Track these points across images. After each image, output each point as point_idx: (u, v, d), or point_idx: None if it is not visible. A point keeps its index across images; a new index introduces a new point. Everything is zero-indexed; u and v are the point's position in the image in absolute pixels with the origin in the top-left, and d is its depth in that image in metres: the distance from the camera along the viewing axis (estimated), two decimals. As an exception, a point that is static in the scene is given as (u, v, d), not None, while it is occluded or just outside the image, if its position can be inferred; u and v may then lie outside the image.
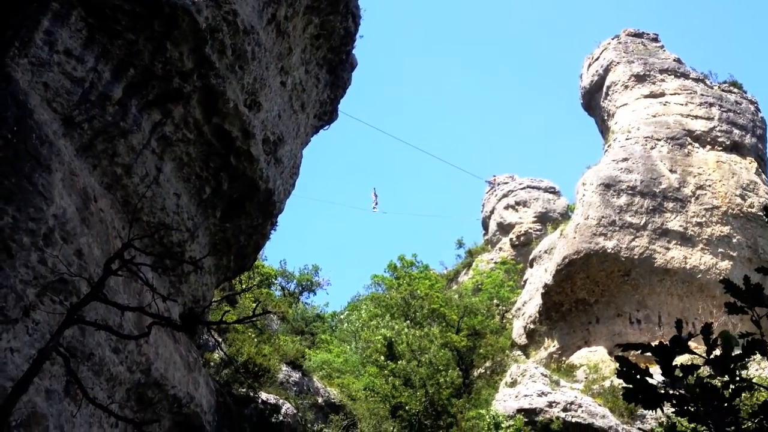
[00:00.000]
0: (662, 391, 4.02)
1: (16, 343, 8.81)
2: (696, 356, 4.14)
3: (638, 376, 4.07)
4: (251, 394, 23.67)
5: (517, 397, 26.91)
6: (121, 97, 11.25)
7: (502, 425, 25.43)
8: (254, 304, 33.43)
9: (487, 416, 26.36)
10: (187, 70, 12.12)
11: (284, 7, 14.86)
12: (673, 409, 4.02)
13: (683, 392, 3.95)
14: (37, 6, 9.77)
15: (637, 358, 24.62)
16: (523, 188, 60.83)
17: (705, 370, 4.07)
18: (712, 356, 3.96)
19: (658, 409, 4.10)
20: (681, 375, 3.95)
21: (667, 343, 3.98)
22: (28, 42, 9.63)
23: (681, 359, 4.05)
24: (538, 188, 60.49)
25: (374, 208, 60.10)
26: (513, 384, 28.48)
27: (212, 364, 23.64)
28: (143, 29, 11.14)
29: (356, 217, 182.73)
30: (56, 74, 10.13)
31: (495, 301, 46.87)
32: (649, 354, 4.04)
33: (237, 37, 12.91)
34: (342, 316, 49.67)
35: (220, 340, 25.71)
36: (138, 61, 11.33)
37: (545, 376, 28.57)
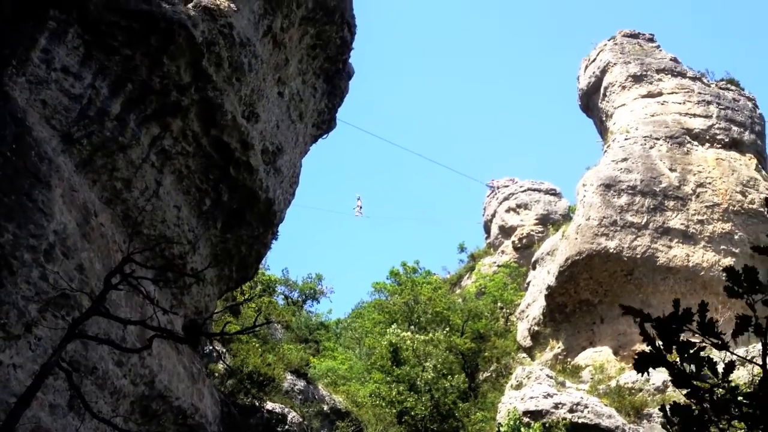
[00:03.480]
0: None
1: (18, 359, 8.89)
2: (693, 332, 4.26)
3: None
4: (256, 403, 23.70)
5: (522, 399, 26.86)
6: (119, 113, 11.35)
7: (520, 429, 25.36)
8: (257, 314, 33.55)
9: (507, 417, 26.21)
10: (184, 84, 12.22)
11: (280, 18, 14.97)
12: (670, 378, 4.18)
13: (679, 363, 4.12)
14: (34, 24, 9.88)
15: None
16: (524, 191, 60.77)
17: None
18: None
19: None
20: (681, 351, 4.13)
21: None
22: (25, 60, 9.74)
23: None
24: (539, 190, 60.44)
25: (358, 213, 60.34)
26: (518, 386, 28.45)
27: (216, 374, 23.69)
28: (140, 44, 11.25)
29: (358, 224, 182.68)
30: (54, 91, 10.23)
31: (499, 304, 46.84)
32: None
33: (233, 49, 13.01)
34: (346, 324, 49.69)
35: (224, 350, 25.76)
36: (135, 76, 11.44)
37: (550, 377, 28.53)
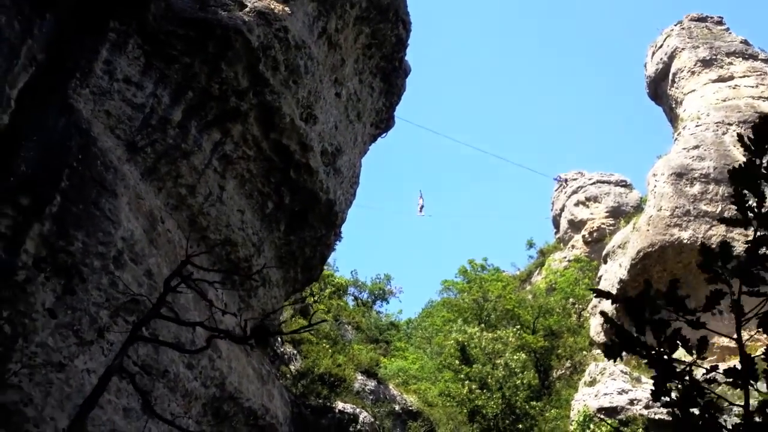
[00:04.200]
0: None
1: (92, 364, 9.14)
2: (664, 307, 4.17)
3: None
4: (328, 404, 23.90)
5: (596, 396, 26.27)
6: (180, 120, 11.56)
7: (590, 427, 24.86)
8: (327, 315, 33.92)
9: (579, 414, 25.71)
10: (242, 89, 12.37)
11: (334, 19, 15.04)
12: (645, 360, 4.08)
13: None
14: (95, 37, 10.15)
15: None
16: (593, 183, 59.47)
17: None
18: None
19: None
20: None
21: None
22: (88, 72, 10.02)
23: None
24: (609, 182, 59.02)
25: (420, 211, 59.65)
26: (592, 383, 27.84)
27: (288, 376, 23.98)
28: (198, 52, 11.44)
29: (425, 223, 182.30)
30: (117, 102, 10.50)
31: (570, 299, 45.99)
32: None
33: (289, 52, 13.11)
34: (416, 323, 49.69)
35: (295, 352, 26.08)
36: (195, 83, 11.63)
37: (625, 373, 27.82)
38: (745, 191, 3.87)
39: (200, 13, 11.31)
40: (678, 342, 3.99)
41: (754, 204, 3.80)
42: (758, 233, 3.88)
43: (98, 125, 10.06)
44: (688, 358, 4.15)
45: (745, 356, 3.79)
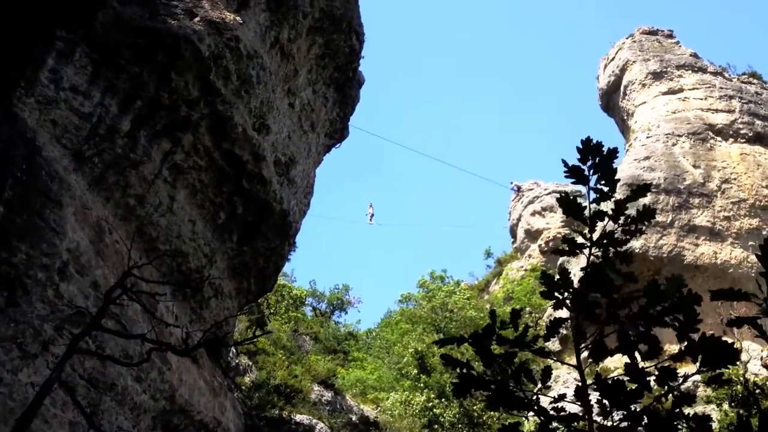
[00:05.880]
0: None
1: (36, 378, 8.94)
2: None
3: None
4: (284, 415, 23.79)
5: (550, 403, 26.59)
6: (129, 129, 11.42)
7: None
8: (284, 327, 33.74)
9: (531, 422, 26.03)
10: (193, 98, 12.28)
11: (287, 29, 15.04)
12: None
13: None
14: (41, 45, 10.00)
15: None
16: (549, 193, 60.26)
17: None
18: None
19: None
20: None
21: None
22: (33, 81, 9.85)
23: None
24: (564, 193, 59.90)
25: (370, 220, 60.25)
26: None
27: (244, 387, 23.80)
28: (147, 61, 11.33)
29: (385, 233, 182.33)
30: (63, 111, 10.34)
31: (527, 308, 46.44)
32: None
33: (241, 62, 13.07)
34: (375, 333, 49.68)
35: (251, 363, 25.92)
36: (144, 92, 11.51)
37: (578, 380, 28.25)
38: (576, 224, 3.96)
39: (149, 21, 11.21)
40: (522, 373, 4.01)
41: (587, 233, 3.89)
42: (590, 259, 3.98)
43: (44, 134, 9.90)
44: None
45: (584, 382, 3.89)
